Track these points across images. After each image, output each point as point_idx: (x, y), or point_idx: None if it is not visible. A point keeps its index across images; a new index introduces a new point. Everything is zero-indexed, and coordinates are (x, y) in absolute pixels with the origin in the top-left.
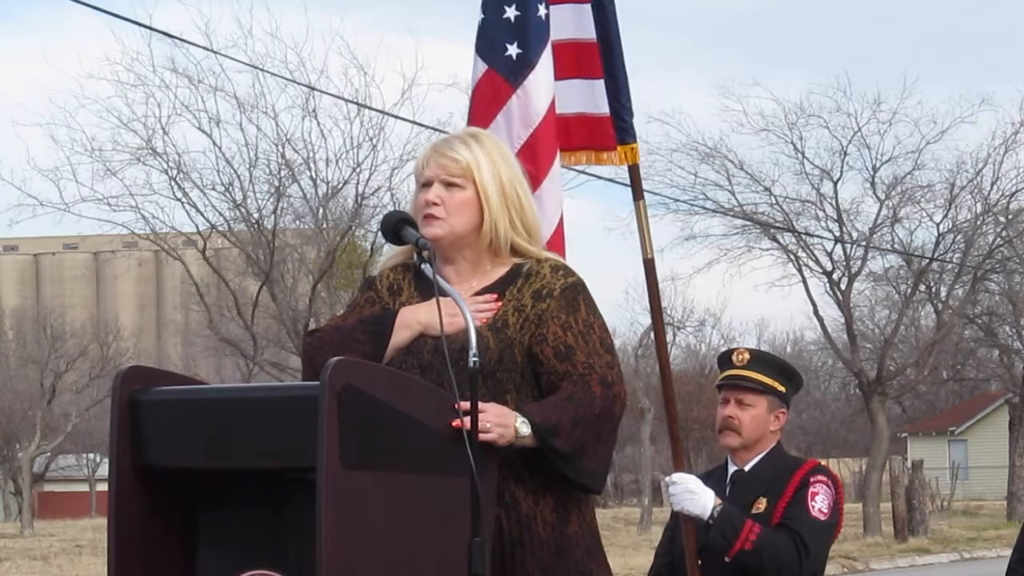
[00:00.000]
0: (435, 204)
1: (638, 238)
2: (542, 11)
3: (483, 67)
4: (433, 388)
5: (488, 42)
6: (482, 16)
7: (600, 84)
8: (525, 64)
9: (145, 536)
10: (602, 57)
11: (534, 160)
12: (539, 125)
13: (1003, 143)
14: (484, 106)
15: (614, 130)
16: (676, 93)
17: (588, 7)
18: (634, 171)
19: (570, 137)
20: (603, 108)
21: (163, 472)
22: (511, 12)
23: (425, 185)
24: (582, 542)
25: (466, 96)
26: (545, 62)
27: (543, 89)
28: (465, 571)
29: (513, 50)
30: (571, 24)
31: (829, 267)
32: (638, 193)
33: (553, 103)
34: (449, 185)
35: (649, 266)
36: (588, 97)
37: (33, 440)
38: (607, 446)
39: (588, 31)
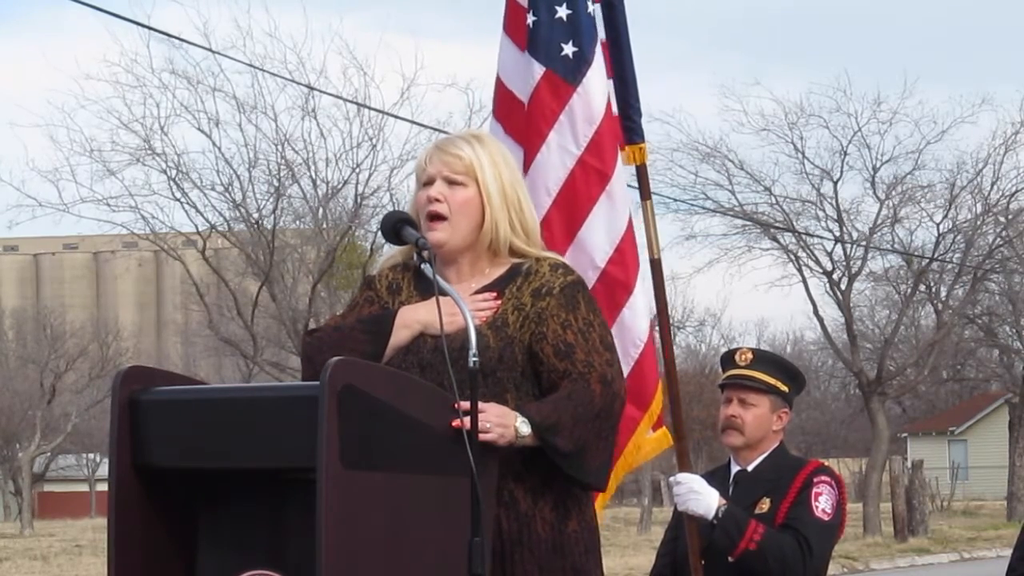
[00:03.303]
0: (438, 200)
1: (644, 237)
2: (591, 7)
3: (540, 69)
4: (433, 388)
5: (543, 43)
6: (534, 18)
7: (608, 84)
8: (583, 62)
9: (145, 536)
10: (611, 57)
11: (600, 156)
12: (602, 122)
13: (1003, 143)
14: (546, 107)
15: (622, 130)
16: (677, 93)
17: (598, 7)
18: (642, 171)
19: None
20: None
21: (163, 472)
22: (563, 11)
23: (427, 183)
24: (581, 540)
25: (465, 96)
26: (599, 59)
27: (600, 86)
28: (465, 571)
29: (569, 49)
30: None
31: (829, 267)
32: (645, 193)
33: (609, 100)
34: (452, 183)
35: (656, 266)
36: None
37: (33, 440)
38: (608, 443)
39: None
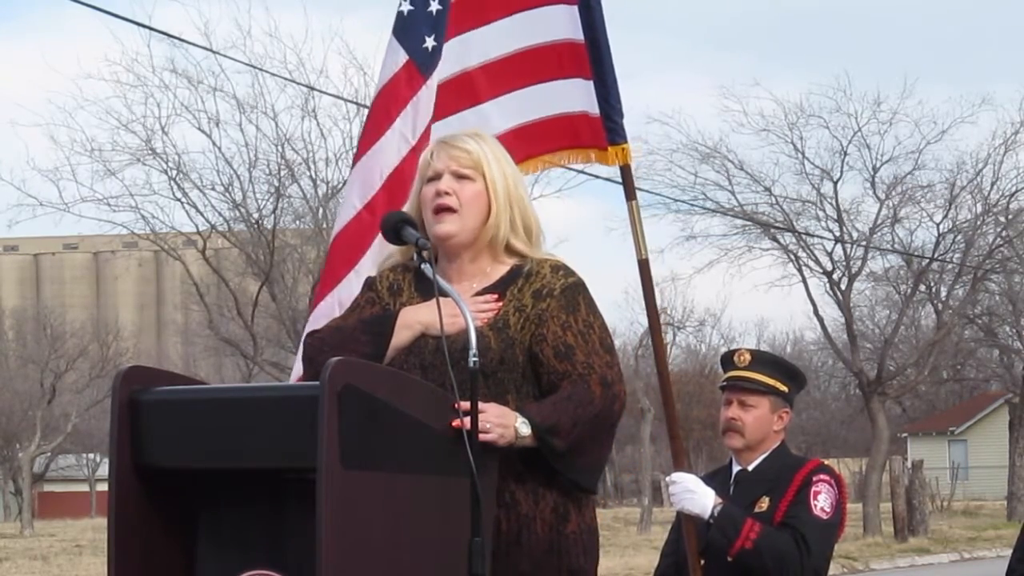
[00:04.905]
0: (447, 194)
1: (631, 238)
2: (445, 6)
3: (404, 56)
4: (433, 388)
5: (411, 32)
6: (410, 7)
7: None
8: (436, 57)
9: (145, 536)
10: (590, 58)
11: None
12: (430, 120)
13: (1003, 143)
14: (400, 94)
15: (604, 131)
16: (676, 93)
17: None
18: (626, 171)
19: (579, 135)
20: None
21: (163, 472)
22: (435, 5)
23: (433, 178)
24: (579, 542)
25: None
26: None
27: (436, 85)
28: (465, 571)
29: (430, 42)
30: (570, 25)
31: (829, 267)
32: (630, 193)
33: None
34: (460, 177)
35: (643, 267)
36: (586, 97)
37: (33, 440)
38: (604, 445)
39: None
